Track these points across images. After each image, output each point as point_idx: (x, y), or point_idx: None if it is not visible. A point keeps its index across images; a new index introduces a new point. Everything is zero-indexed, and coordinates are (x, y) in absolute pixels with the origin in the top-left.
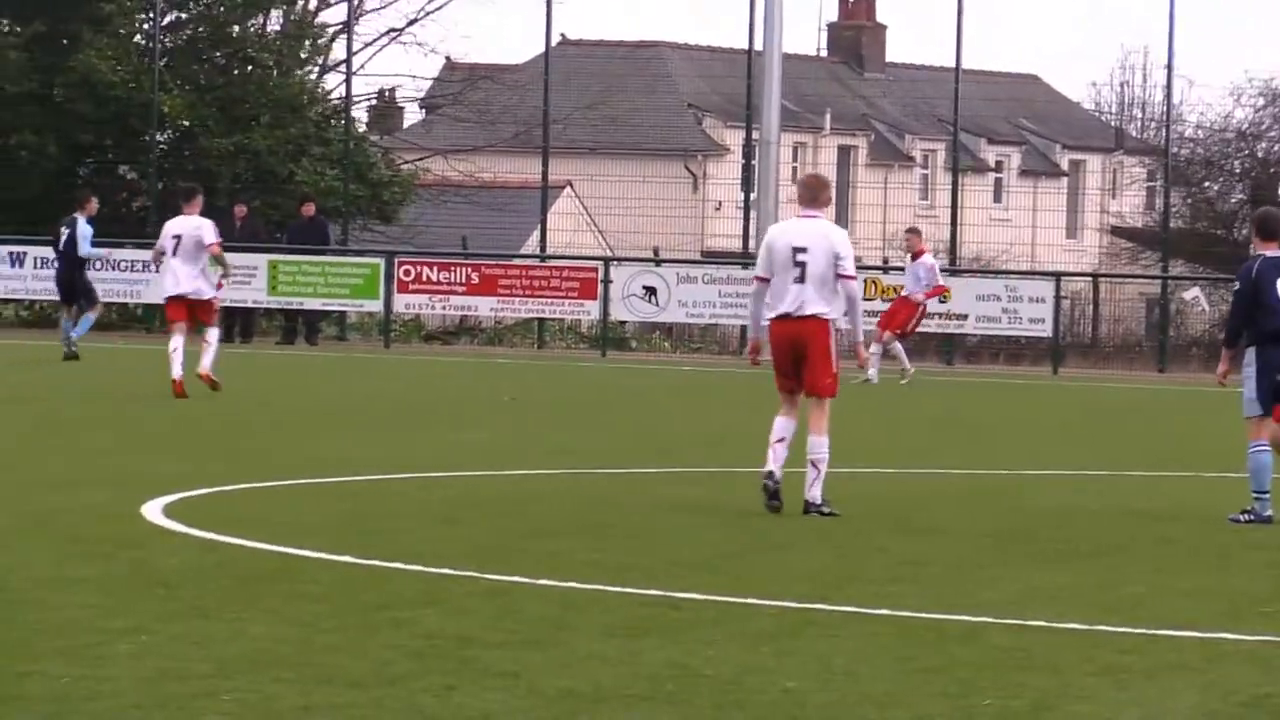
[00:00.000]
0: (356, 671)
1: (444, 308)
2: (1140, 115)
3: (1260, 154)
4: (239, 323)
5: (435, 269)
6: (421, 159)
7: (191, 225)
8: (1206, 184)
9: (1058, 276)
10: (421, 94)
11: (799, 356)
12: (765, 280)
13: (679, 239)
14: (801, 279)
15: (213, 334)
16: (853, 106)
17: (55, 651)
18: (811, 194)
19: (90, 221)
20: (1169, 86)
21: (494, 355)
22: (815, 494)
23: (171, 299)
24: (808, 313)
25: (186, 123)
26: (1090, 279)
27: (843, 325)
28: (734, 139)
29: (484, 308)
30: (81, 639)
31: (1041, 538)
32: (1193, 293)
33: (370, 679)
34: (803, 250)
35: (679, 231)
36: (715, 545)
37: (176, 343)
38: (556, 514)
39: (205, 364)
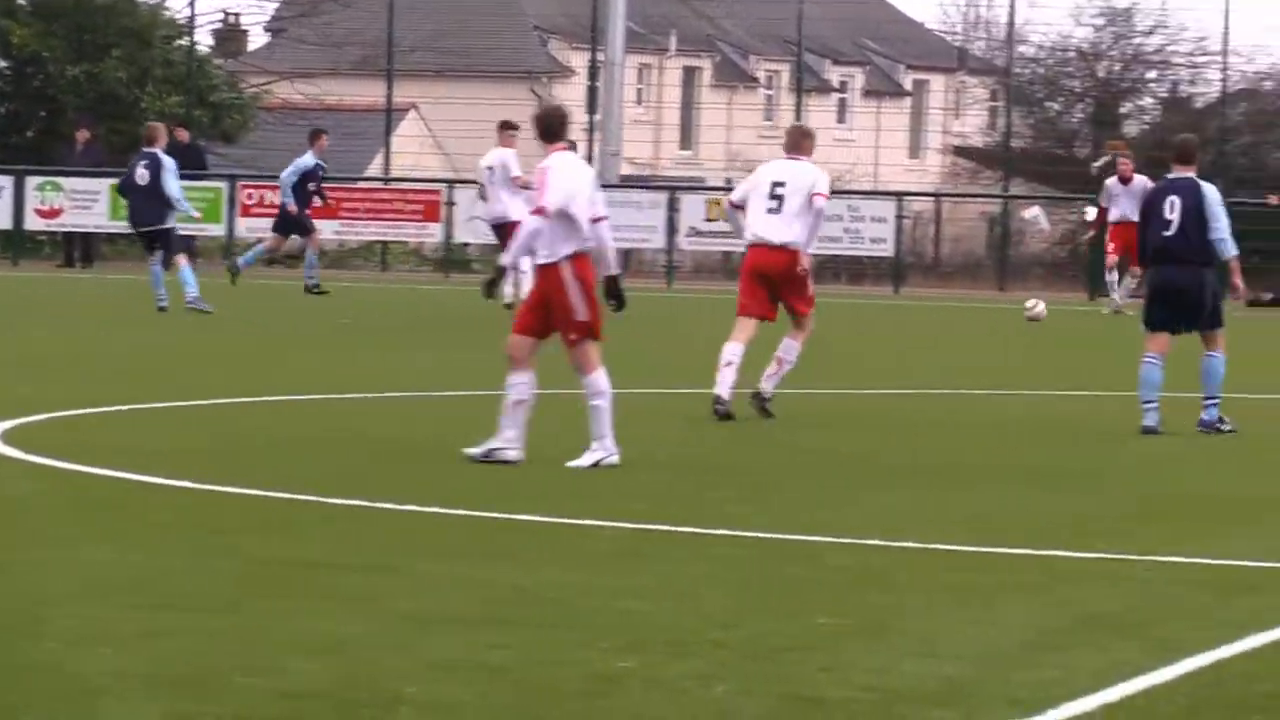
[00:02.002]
0: (200, 597)
1: None
2: (984, 35)
3: (1101, 74)
4: (79, 247)
5: (278, 193)
6: (266, 83)
7: None
8: (1047, 104)
9: (899, 196)
10: (267, 17)
11: (774, 283)
12: (737, 206)
13: (524, 161)
14: (779, 210)
15: None
16: (698, 28)
17: None
18: (792, 141)
19: None
20: (1011, 7)
21: (338, 278)
22: (768, 387)
23: None
24: (783, 240)
25: (35, 50)
26: (932, 199)
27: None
28: (579, 61)
29: (327, 231)
30: None
31: (884, 458)
32: (1033, 212)
33: (214, 604)
34: (782, 184)
35: (524, 154)
36: (557, 467)
37: None
38: (398, 439)
39: None
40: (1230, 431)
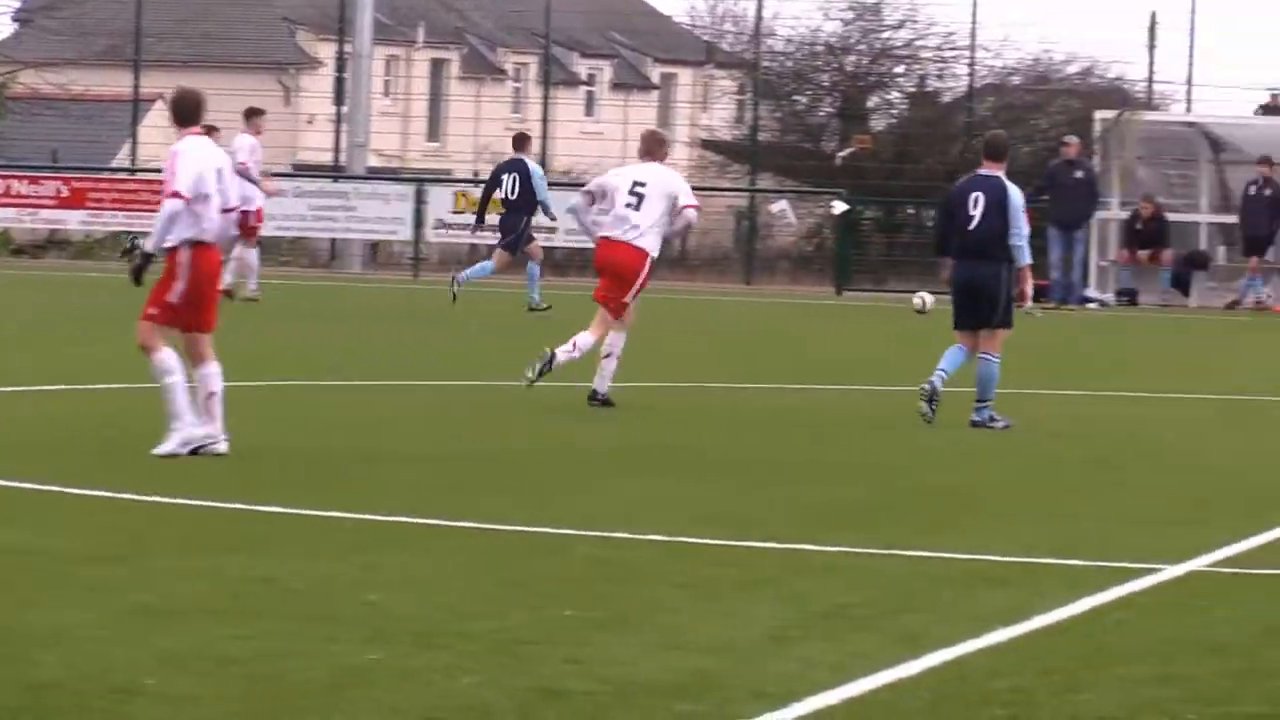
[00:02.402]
0: None
1: (33, 221)
2: (732, 29)
3: (848, 68)
4: None
5: (24, 182)
6: (11, 71)
7: None
8: (795, 97)
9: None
10: (15, 7)
11: (616, 275)
12: (591, 196)
13: (271, 152)
14: (637, 208)
15: None
16: (446, 20)
17: None
18: (646, 147)
19: None
20: (759, 1)
21: (85, 269)
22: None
23: None
24: (630, 238)
25: None
26: None
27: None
28: (327, 52)
29: (74, 221)
30: None
31: (633, 450)
32: (780, 205)
33: None
34: (643, 185)
35: (271, 145)
36: (306, 458)
37: None
38: (141, 428)
39: None
40: (1004, 428)
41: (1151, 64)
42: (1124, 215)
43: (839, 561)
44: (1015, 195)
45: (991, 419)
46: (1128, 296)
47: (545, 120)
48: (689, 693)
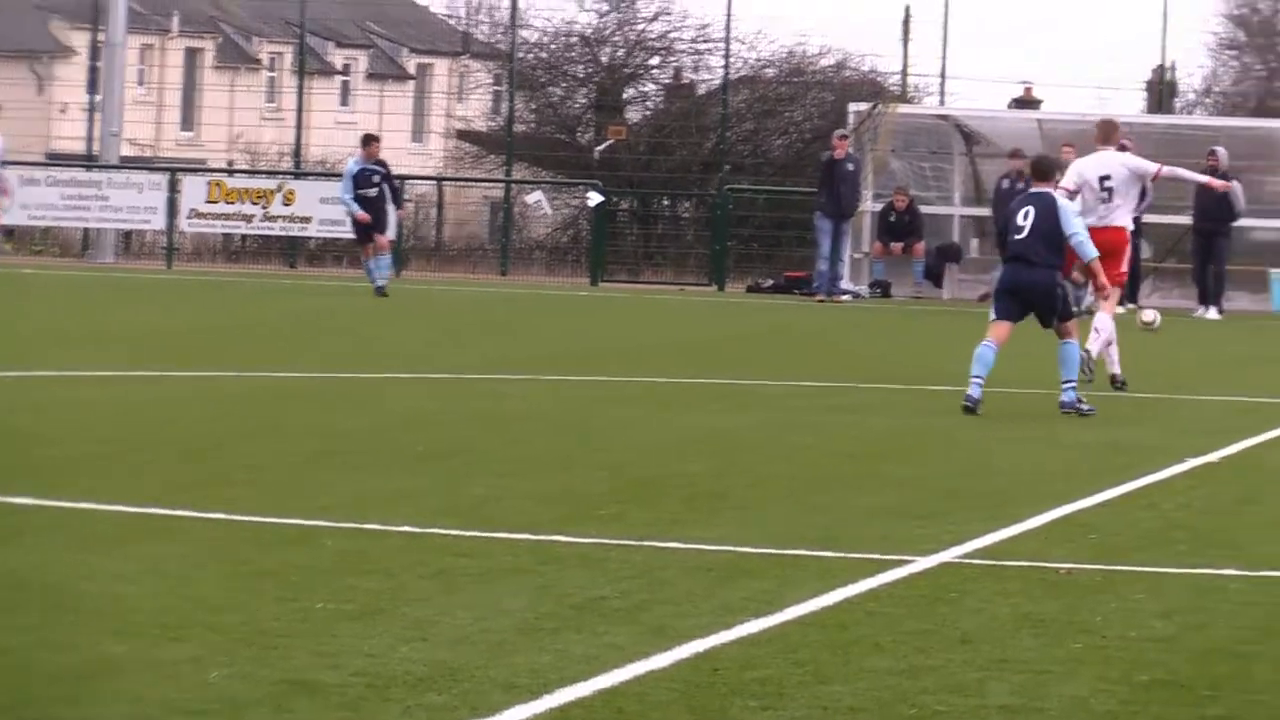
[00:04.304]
0: None
1: None
2: (487, 20)
3: (604, 59)
4: None
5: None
6: None
7: None
8: (550, 88)
9: (401, 180)
10: None
11: None
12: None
13: (24, 140)
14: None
15: None
16: (200, 9)
17: None
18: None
19: None
20: None
21: None
22: None
23: None
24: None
25: None
26: (434, 182)
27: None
28: (81, 41)
29: None
30: None
31: (385, 440)
32: (535, 196)
33: None
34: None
35: (24, 133)
36: (56, 449)
37: None
38: None
39: None
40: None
41: (906, 57)
42: (878, 208)
43: (591, 553)
44: (1065, 205)
45: (1079, 401)
46: (881, 289)
47: (300, 110)
48: (440, 684)
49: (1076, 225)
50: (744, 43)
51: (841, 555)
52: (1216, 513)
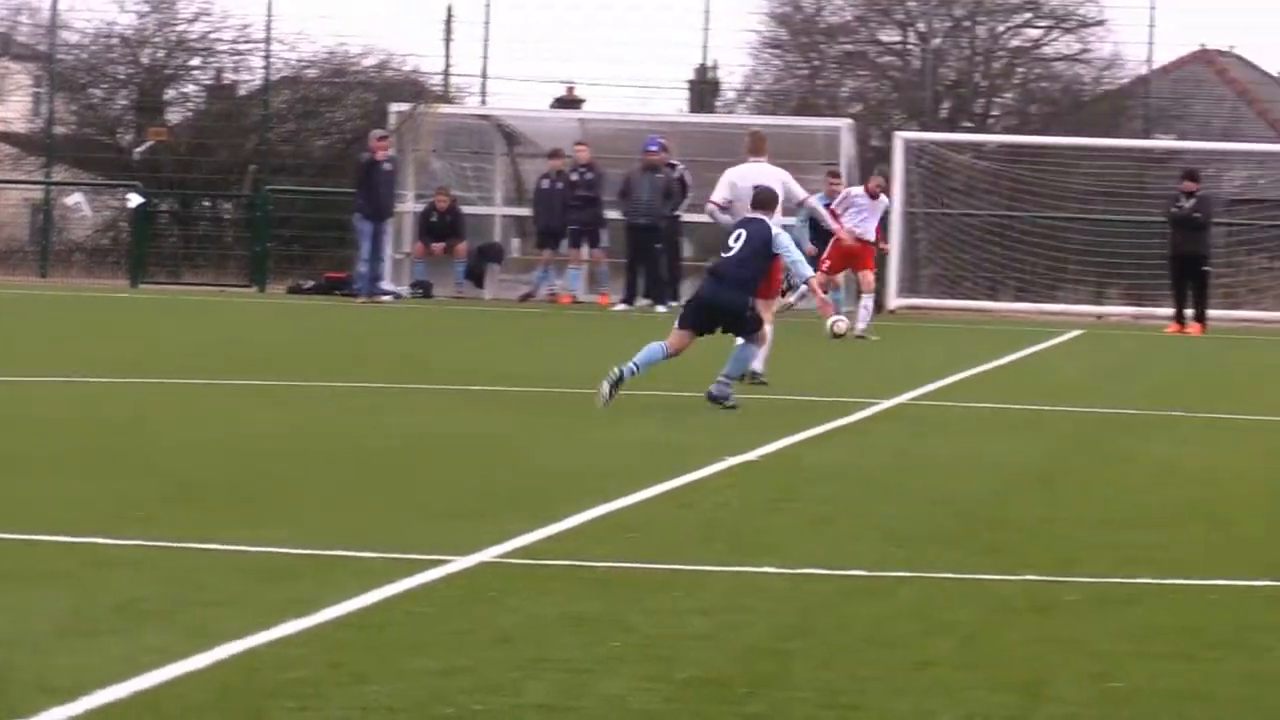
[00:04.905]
0: None
1: None
2: (27, 21)
3: (145, 60)
4: None
5: None
6: None
7: None
8: (91, 90)
9: None
10: None
11: None
12: None
13: None
14: None
15: None
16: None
17: None
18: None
19: None
20: None
21: None
22: None
23: None
24: None
25: None
26: None
27: None
28: None
29: None
30: None
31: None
32: (75, 199)
33: None
34: None
35: None
36: None
37: None
38: None
39: None
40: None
41: (448, 57)
42: (419, 208)
43: (131, 555)
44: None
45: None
46: (422, 289)
47: None
48: None
49: (792, 251)
50: (285, 43)
51: (381, 556)
52: (754, 511)
